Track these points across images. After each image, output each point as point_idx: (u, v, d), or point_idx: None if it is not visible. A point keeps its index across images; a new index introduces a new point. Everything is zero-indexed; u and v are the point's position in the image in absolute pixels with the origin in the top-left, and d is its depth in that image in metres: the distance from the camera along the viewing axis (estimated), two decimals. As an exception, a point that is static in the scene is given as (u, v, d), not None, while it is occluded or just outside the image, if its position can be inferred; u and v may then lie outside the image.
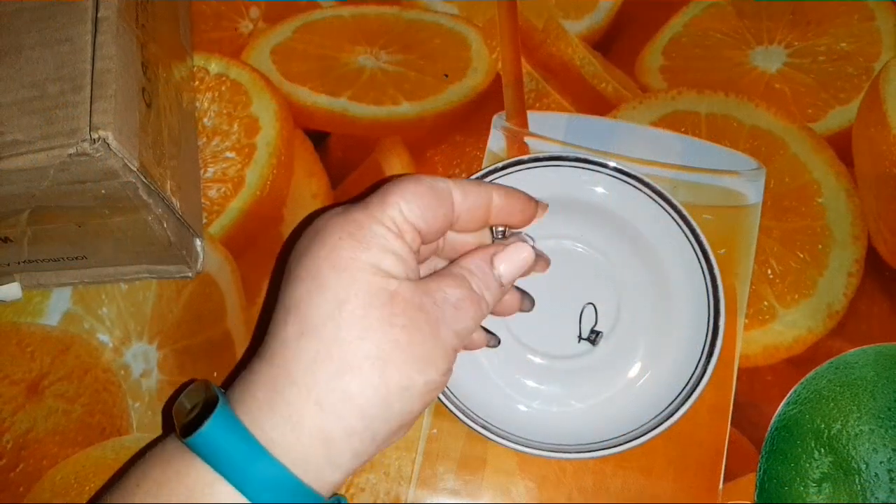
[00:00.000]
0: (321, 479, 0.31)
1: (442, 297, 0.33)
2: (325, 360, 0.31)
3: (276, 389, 0.31)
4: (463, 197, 0.35)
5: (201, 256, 0.46)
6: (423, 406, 0.33)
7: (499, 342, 0.42)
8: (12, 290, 0.44)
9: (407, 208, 0.33)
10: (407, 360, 0.31)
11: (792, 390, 0.43)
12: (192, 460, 0.30)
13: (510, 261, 0.36)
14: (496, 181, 0.45)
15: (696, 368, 0.41)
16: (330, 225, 0.33)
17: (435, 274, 0.34)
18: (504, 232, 0.38)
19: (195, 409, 0.32)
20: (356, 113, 0.49)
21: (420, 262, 0.36)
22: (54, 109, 0.34)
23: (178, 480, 0.31)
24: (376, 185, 0.34)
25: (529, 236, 0.38)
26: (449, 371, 0.33)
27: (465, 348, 0.39)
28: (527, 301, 0.41)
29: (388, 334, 0.31)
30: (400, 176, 0.35)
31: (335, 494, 0.33)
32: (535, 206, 0.38)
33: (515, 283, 0.39)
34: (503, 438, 0.40)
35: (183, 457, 0.31)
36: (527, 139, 0.48)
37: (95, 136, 0.33)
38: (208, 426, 0.30)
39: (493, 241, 0.38)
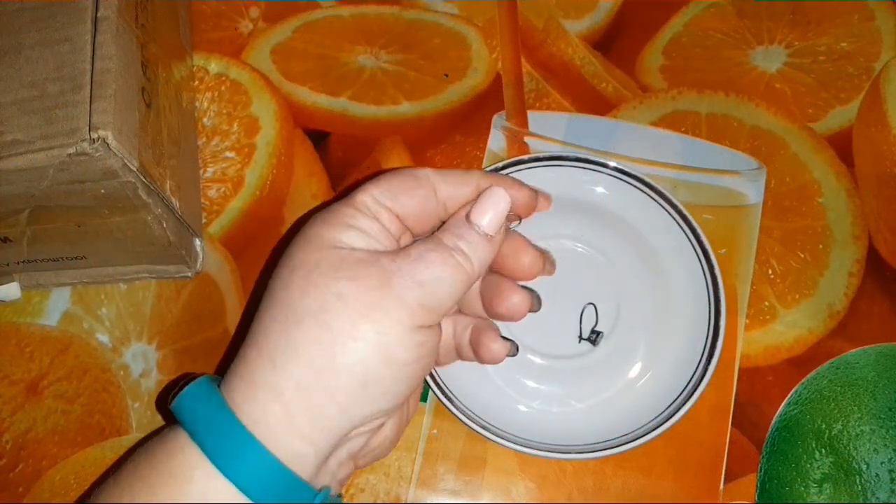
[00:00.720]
0: (286, 446, 0.31)
1: (403, 254, 0.33)
2: (274, 320, 0.32)
3: (241, 355, 0.32)
4: (443, 179, 0.35)
5: (201, 256, 0.46)
6: (384, 363, 0.31)
7: (517, 350, 0.40)
8: (11, 290, 0.44)
9: (378, 192, 0.34)
10: (350, 310, 0.31)
11: (793, 390, 0.43)
12: (181, 433, 0.32)
13: (484, 208, 0.35)
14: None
15: (696, 369, 0.41)
16: (311, 217, 0.35)
17: None
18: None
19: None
20: (356, 113, 0.49)
21: None
22: (54, 109, 0.34)
23: (162, 446, 0.32)
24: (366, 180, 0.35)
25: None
26: (418, 330, 0.32)
27: (485, 360, 0.38)
28: (535, 301, 0.40)
29: (330, 288, 0.31)
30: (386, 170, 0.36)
31: (325, 489, 0.32)
32: (534, 194, 0.37)
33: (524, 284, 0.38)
34: (503, 439, 0.40)
35: (176, 432, 0.32)
36: (527, 139, 0.48)
37: (95, 135, 0.33)
38: (186, 391, 0.32)
39: None
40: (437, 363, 0.40)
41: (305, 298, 0.31)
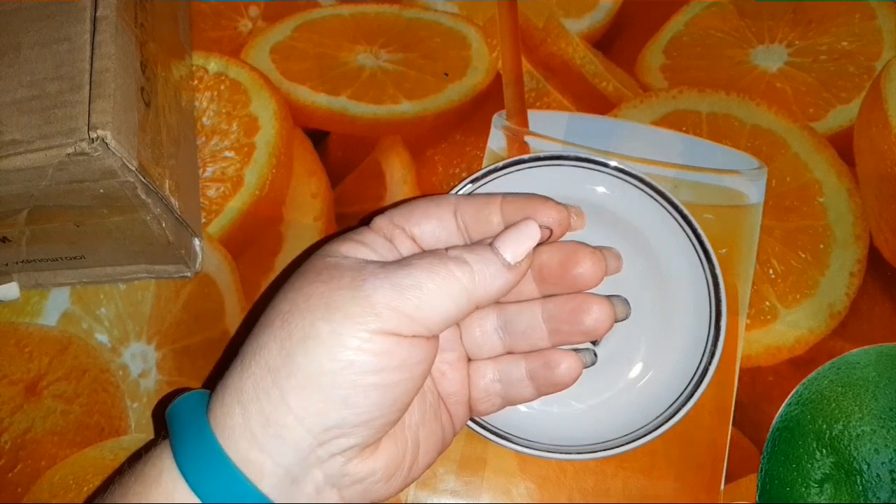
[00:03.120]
0: (245, 456, 0.29)
1: (393, 262, 0.31)
2: (256, 324, 0.31)
3: (229, 367, 0.32)
4: (465, 201, 0.34)
5: (200, 256, 0.45)
6: (341, 367, 0.29)
7: (595, 357, 0.37)
8: (10, 290, 0.44)
9: (393, 212, 0.33)
10: (313, 309, 0.29)
11: (793, 391, 0.43)
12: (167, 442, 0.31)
13: (510, 237, 0.32)
14: (496, 180, 0.44)
15: (697, 369, 0.41)
16: None
17: None
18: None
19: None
20: (356, 112, 0.49)
21: None
22: (53, 109, 0.34)
23: (146, 462, 0.31)
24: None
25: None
26: (386, 336, 0.29)
27: (558, 384, 0.36)
28: (621, 307, 0.36)
29: (303, 289, 0.30)
30: None
31: None
32: (566, 214, 0.34)
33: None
34: (503, 439, 0.40)
35: (161, 451, 0.31)
36: (527, 138, 0.48)
37: (94, 135, 0.33)
38: (178, 400, 0.32)
39: None
40: (476, 412, 0.37)
41: (282, 302, 0.31)
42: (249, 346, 0.31)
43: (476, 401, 0.36)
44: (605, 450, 0.40)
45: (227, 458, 0.29)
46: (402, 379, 0.30)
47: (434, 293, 0.30)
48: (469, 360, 0.37)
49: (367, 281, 0.30)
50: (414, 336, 0.30)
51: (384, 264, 0.31)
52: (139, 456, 0.32)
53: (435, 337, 0.31)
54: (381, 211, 0.34)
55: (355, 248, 0.32)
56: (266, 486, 0.29)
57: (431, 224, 0.33)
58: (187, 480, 0.29)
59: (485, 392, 0.36)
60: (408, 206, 0.34)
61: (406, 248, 0.33)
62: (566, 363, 0.36)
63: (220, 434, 0.30)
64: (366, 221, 0.35)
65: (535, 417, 0.42)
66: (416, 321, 0.30)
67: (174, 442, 0.30)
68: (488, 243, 0.32)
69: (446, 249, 0.32)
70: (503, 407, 0.37)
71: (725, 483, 0.42)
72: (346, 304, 0.29)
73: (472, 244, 0.33)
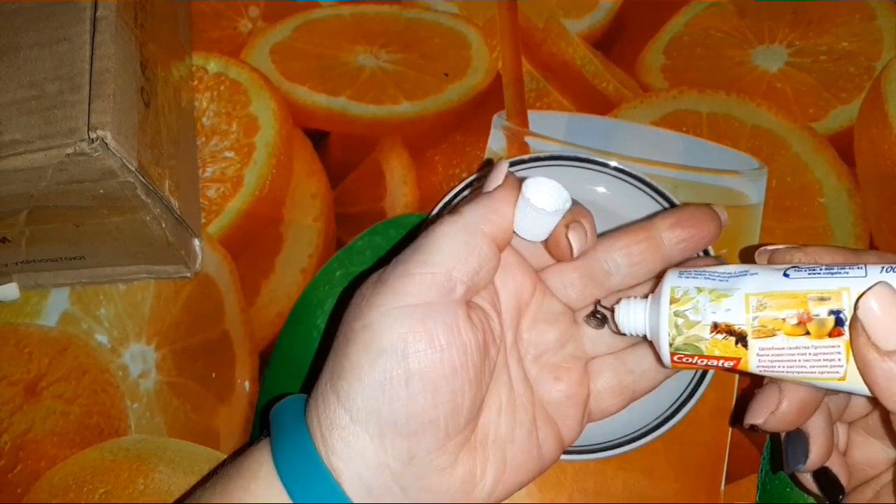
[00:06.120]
0: (330, 462, 0.30)
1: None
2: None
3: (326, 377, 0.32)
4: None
5: (199, 256, 0.45)
6: (368, 349, 0.29)
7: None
8: (10, 291, 0.44)
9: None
10: (361, 307, 0.31)
11: (794, 391, 0.43)
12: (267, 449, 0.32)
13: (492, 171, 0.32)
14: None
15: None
16: None
17: None
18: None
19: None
20: (356, 112, 0.49)
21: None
22: (53, 109, 0.34)
23: (246, 456, 0.32)
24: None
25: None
26: (401, 311, 0.29)
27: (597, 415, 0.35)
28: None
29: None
30: None
31: None
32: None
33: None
34: (504, 440, 0.40)
35: (262, 447, 0.32)
36: (527, 138, 0.48)
37: (94, 135, 0.33)
38: (279, 406, 0.33)
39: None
40: (596, 415, 0.36)
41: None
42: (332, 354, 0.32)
43: (600, 398, 0.35)
44: (605, 450, 0.40)
45: (320, 462, 0.30)
46: (430, 362, 0.29)
47: (433, 241, 0.31)
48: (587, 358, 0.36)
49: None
50: (430, 302, 0.30)
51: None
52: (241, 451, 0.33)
53: (472, 303, 0.32)
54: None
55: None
56: (347, 493, 0.30)
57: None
58: (282, 480, 0.30)
59: (608, 388, 0.35)
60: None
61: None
62: None
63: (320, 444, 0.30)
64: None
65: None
66: (424, 283, 0.30)
67: (273, 441, 0.32)
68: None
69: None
70: (627, 404, 0.36)
71: (725, 483, 0.42)
72: (376, 292, 0.31)
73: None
